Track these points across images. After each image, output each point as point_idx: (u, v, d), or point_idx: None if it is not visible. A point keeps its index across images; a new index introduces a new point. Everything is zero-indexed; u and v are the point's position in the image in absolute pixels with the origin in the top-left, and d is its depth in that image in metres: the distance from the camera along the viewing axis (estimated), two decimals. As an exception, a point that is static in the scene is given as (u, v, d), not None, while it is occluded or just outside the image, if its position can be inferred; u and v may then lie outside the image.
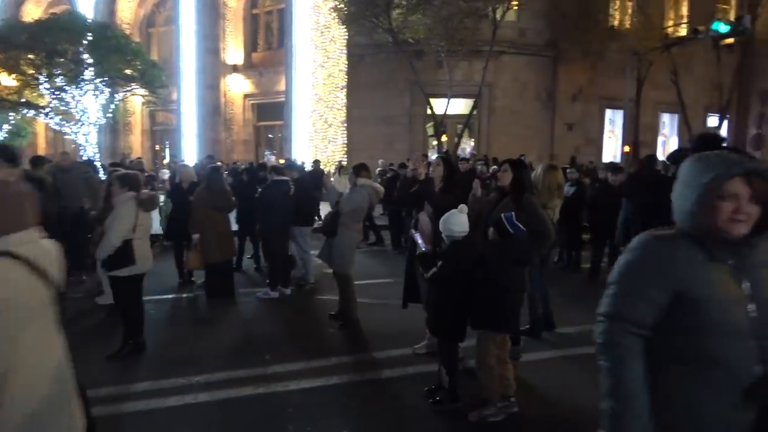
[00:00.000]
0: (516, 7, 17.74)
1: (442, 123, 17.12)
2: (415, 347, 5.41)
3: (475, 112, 18.10)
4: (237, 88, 22.89)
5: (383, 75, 19.56)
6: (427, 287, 4.32)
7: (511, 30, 19.22)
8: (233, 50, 22.93)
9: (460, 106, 18.65)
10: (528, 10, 19.69)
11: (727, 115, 21.19)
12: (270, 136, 23.23)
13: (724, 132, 21.17)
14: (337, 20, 17.99)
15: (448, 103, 17.04)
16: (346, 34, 19.31)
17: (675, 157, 7.67)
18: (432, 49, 16.89)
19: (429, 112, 17.77)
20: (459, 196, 4.94)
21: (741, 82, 21.11)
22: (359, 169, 6.25)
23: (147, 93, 18.32)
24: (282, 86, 20.65)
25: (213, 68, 22.46)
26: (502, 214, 3.85)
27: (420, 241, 4.34)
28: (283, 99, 20.54)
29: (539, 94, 20.63)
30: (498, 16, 16.47)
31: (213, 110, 22.65)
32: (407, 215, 10.47)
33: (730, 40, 20.43)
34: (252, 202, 8.16)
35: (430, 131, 19.21)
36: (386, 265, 9.80)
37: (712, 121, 22.20)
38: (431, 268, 3.96)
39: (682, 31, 20.39)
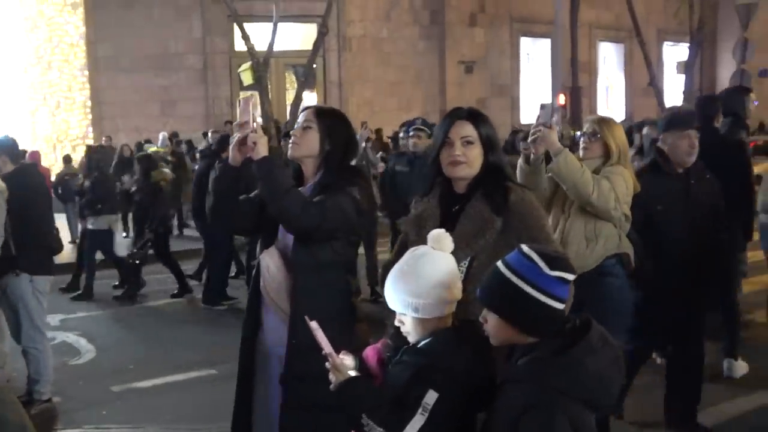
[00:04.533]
0: None
1: (265, 64, 15.40)
2: None
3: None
4: None
5: (151, -18, 17.58)
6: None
7: None
8: None
9: (291, 37, 17.31)
10: None
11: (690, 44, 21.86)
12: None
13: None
14: None
15: (274, 31, 15.41)
16: None
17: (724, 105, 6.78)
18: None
19: (241, 47, 16.04)
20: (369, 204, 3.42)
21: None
22: None
23: None
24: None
25: None
26: (500, 262, 2.26)
27: (326, 344, 2.50)
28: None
29: (417, 15, 19.92)
30: None
31: None
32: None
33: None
34: None
35: (246, 80, 17.51)
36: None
37: (676, 52, 22.92)
38: (407, 419, 2.26)
39: None
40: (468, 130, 2.94)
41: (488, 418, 2.23)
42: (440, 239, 2.50)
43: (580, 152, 4.69)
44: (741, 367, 5.99)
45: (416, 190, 3.51)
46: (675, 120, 4.57)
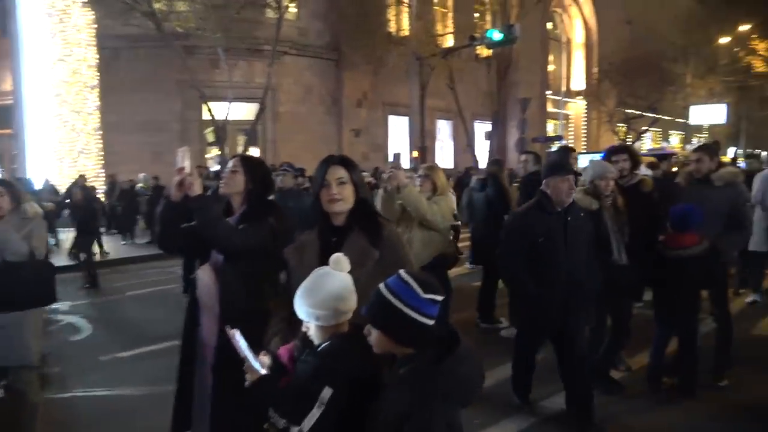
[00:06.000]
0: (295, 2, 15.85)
1: (223, 129, 14.41)
2: None
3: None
4: (-60, 86, 17.00)
5: (146, 73, 16.17)
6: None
7: (291, 29, 17.30)
8: (-70, 37, 16.95)
9: (240, 111, 16.22)
10: (307, 9, 18.13)
11: (492, 122, 22.18)
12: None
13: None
14: (78, 1, 14.06)
15: (229, 107, 14.44)
16: (95, 21, 15.40)
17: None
18: (206, 42, 14.11)
19: (207, 117, 14.97)
20: (280, 231, 2.60)
21: (503, 92, 22.24)
22: None
23: None
24: (8, 85, 15.81)
25: None
26: (382, 285, 1.74)
27: (244, 346, 1.91)
28: (10, 101, 15.75)
29: (324, 99, 19.21)
30: (284, 2, 14.38)
31: None
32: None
33: (489, 53, 21.48)
34: None
35: (210, 139, 16.38)
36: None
37: (483, 126, 23.18)
38: (306, 411, 1.69)
39: (448, 41, 20.73)
40: (341, 172, 2.20)
41: (374, 415, 1.65)
42: (339, 261, 1.93)
43: (418, 187, 4.41)
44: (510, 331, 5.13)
45: (288, 216, 2.82)
46: (556, 167, 3.66)
